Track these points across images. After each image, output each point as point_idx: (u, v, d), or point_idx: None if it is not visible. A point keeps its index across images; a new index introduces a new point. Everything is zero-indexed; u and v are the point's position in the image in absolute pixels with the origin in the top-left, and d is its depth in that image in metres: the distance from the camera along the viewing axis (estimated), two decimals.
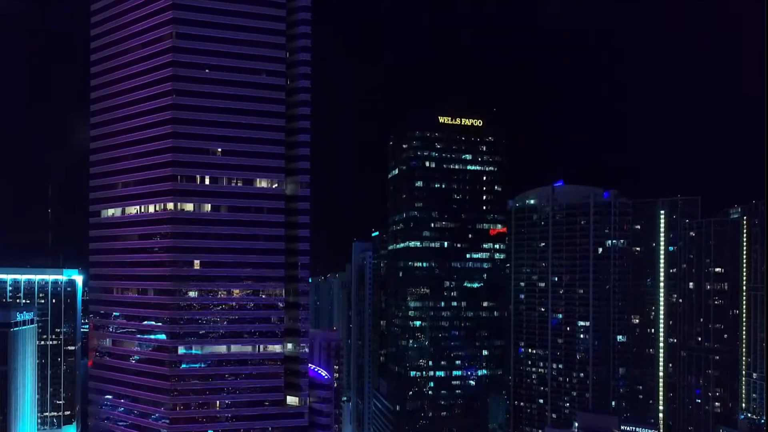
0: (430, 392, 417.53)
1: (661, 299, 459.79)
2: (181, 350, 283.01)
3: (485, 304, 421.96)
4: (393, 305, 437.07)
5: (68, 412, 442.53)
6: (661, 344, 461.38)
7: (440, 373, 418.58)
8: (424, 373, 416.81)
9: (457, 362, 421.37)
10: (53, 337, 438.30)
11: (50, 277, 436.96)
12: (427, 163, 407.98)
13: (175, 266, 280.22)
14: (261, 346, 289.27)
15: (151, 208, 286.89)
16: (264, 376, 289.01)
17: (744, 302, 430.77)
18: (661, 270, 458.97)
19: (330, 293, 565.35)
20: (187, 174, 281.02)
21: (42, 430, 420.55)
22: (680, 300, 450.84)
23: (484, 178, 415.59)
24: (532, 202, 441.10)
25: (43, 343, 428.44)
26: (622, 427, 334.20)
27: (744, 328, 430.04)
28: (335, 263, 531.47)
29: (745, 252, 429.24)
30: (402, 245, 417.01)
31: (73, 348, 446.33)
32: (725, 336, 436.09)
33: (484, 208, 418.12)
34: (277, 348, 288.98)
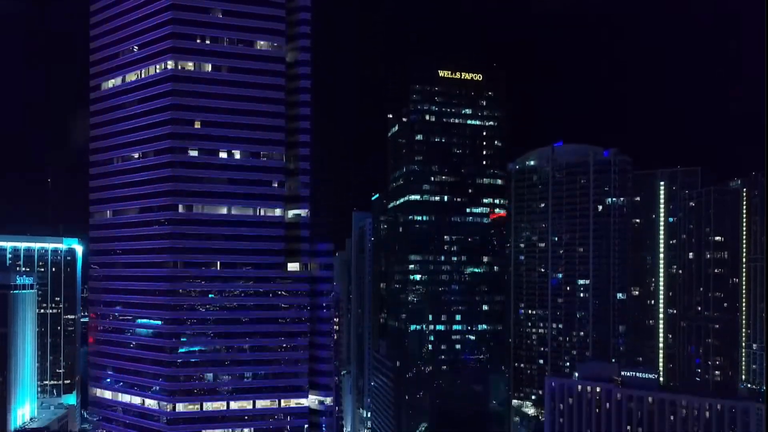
0: (429, 346, 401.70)
1: (661, 270, 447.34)
2: (180, 209, 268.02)
3: (485, 259, 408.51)
4: (393, 262, 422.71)
5: (68, 381, 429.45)
6: (661, 315, 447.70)
7: (440, 327, 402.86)
8: (423, 327, 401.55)
9: (457, 317, 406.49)
10: (53, 305, 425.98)
11: (50, 245, 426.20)
12: (427, 117, 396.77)
13: (175, 125, 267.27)
14: (261, 210, 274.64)
15: (152, 70, 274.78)
16: (264, 239, 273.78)
17: (744, 273, 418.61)
18: (661, 241, 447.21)
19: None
20: (187, 33, 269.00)
21: (42, 399, 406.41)
22: (680, 271, 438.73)
23: (484, 133, 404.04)
24: (532, 163, 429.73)
25: (42, 311, 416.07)
26: (622, 373, 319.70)
27: (744, 298, 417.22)
28: (336, 242, 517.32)
29: (744, 223, 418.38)
30: (402, 200, 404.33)
31: (73, 317, 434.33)
32: (725, 304, 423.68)
33: (484, 162, 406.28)
34: (277, 212, 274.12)
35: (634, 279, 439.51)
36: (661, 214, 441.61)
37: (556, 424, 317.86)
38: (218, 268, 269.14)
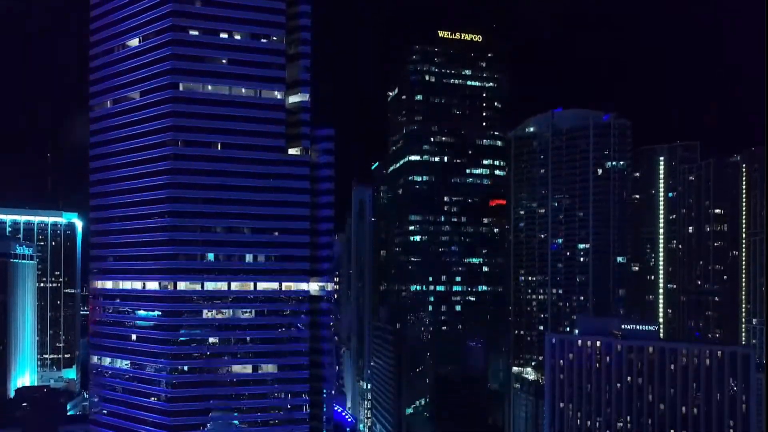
0: (430, 307, 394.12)
1: (661, 245, 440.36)
2: (181, 88, 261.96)
3: (485, 220, 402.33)
4: (393, 225, 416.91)
5: (68, 356, 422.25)
6: (661, 290, 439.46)
7: (440, 288, 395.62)
8: (424, 287, 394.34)
9: (458, 278, 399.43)
10: (53, 279, 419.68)
11: (49, 219, 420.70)
12: (427, 77, 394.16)
13: (176, 2, 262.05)
14: (261, 92, 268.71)
15: None
16: (264, 121, 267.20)
17: (744, 247, 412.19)
18: (661, 216, 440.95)
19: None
20: None
21: (42, 372, 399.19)
22: (680, 245, 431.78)
23: (484, 94, 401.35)
24: (531, 129, 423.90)
25: (42, 285, 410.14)
26: (623, 326, 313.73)
27: (744, 272, 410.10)
28: (337, 224, 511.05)
29: (744, 198, 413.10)
30: (402, 161, 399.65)
31: (73, 291, 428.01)
32: (725, 277, 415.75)
33: (484, 124, 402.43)
34: (277, 95, 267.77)
35: (634, 255, 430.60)
36: (661, 190, 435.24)
37: (557, 381, 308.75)
38: (219, 148, 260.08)
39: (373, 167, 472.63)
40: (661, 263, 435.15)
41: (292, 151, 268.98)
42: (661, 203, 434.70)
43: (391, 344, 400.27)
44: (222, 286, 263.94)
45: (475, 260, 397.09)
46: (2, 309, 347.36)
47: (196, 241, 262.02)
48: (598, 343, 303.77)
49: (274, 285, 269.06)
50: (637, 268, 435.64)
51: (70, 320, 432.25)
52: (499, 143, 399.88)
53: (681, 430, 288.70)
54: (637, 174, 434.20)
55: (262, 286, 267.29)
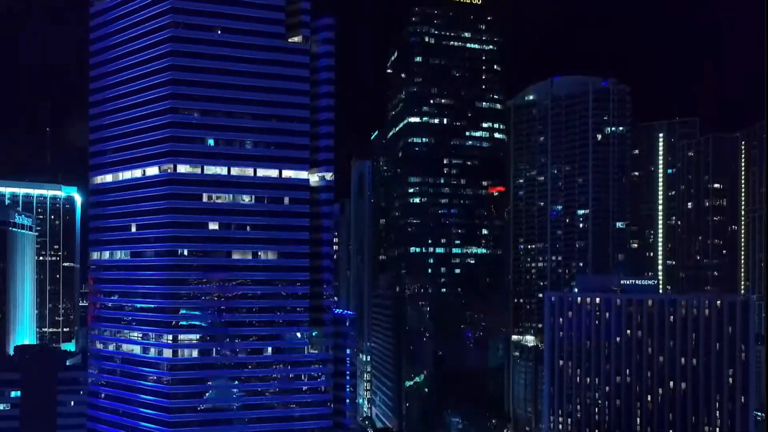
0: (429, 270, 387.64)
1: (660, 221, 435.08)
2: None
3: (485, 182, 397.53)
4: (393, 189, 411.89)
5: (66, 329, 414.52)
6: (660, 267, 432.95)
7: (440, 250, 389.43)
8: (423, 249, 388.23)
9: (457, 241, 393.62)
10: (52, 253, 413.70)
11: (48, 192, 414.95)
12: (426, 39, 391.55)
13: None
14: None
15: None
16: (262, 7, 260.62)
17: (743, 224, 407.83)
18: (660, 192, 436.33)
19: None
20: None
21: (41, 345, 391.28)
22: (678, 222, 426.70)
23: (483, 57, 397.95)
24: (531, 97, 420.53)
25: (42, 258, 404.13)
26: (622, 282, 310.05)
27: (743, 250, 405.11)
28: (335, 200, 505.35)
29: (743, 174, 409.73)
30: (402, 124, 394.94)
31: (72, 265, 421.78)
32: (724, 252, 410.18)
33: (483, 87, 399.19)
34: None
35: (634, 232, 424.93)
36: (660, 166, 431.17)
37: (556, 339, 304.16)
38: (219, 33, 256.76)
39: (372, 137, 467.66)
40: (660, 240, 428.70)
41: (292, 40, 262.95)
42: (660, 180, 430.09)
43: (390, 309, 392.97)
44: (222, 170, 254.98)
45: (474, 222, 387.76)
46: (1, 277, 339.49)
47: (196, 125, 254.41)
48: (598, 300, 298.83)
49: (274, 172, 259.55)
50: (636, 245, 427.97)
51: (70, 294, 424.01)
52: (498, 106, 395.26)
53: (680, 381, 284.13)
54: (637, 151, 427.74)
55: (261, 172, 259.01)
